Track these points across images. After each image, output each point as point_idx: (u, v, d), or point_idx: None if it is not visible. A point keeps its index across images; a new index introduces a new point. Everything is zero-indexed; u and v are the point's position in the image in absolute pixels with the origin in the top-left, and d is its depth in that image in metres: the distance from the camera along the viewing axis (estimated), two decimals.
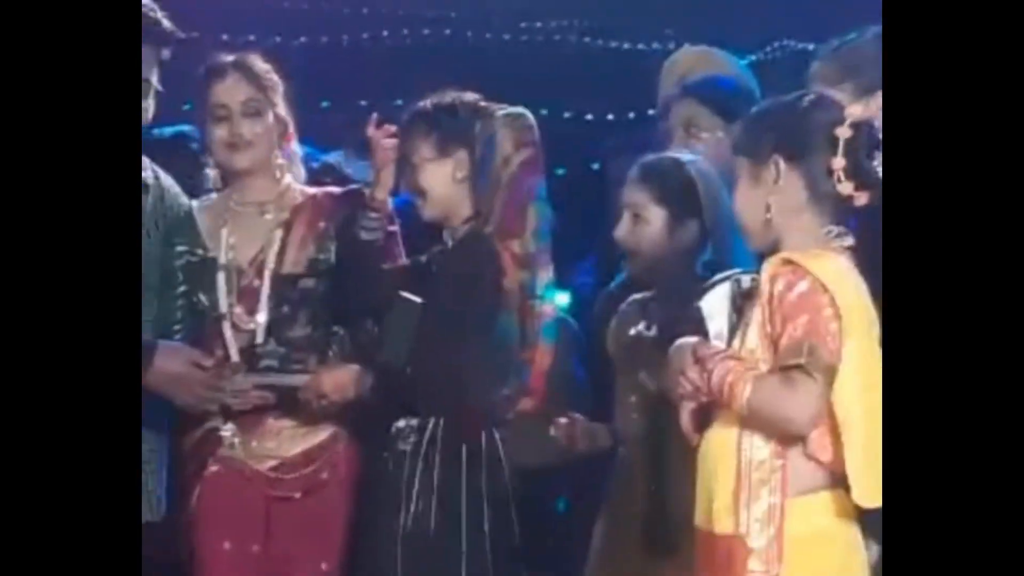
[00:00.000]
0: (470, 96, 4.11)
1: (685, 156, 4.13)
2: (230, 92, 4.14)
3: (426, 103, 4.09)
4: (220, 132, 4.14)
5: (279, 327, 4.10)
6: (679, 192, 4.02)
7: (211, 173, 4.27)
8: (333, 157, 4.99)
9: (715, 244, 4.00)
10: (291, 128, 4.23)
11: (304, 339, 4.10)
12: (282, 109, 4.21)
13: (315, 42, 6.96)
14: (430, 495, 3.88)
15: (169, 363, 4.00)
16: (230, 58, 4.19)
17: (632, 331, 4.06)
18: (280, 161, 4.22)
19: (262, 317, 4.10)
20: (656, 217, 4.03)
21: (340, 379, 4.05)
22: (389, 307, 3.97)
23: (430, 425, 3.93)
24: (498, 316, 3.97)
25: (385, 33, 7.08)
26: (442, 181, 4.04)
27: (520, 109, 4.10)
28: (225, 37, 6.32)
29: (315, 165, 4.69)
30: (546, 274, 4.02)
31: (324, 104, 6.52)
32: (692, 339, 3.20)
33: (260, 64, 4.19)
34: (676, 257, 4.02)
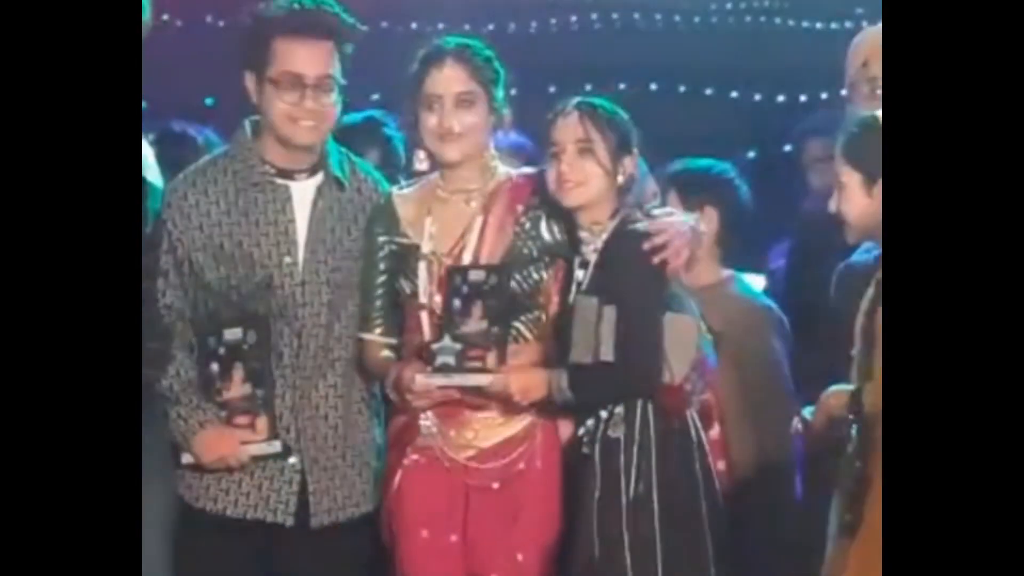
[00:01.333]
0: None
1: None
2: (445, 82, 4.09)
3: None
4: (431, 121, 4.10)
5: (451, 322, 4.04)
6: (870, 148, 3.75)
7: (422, 155, 4.19)
8: None
9: None
10: (508, 119, 4.18)
11: (479, 335, 4.03)
12: (499, 99, 4.15)
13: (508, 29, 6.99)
14: (650, 479, 3.89)
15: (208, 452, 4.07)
16: (450, 46, 4.13)
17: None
18: (493, 151, 4.20)
19: (457, 304, 4.06)
20: (852, 181, 3.83)
21: (527, 381, 4.02)
22: (571, 309, 3.98)
23: (639, 410, 3.92)
24: (672, 292, 3.99)
25: (573, 18, 7.07)
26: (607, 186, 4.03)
27: None
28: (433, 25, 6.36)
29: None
30: None
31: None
32: None
33: (481, 53, 4.14)
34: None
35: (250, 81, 4.10)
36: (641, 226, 4.01)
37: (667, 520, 3.89)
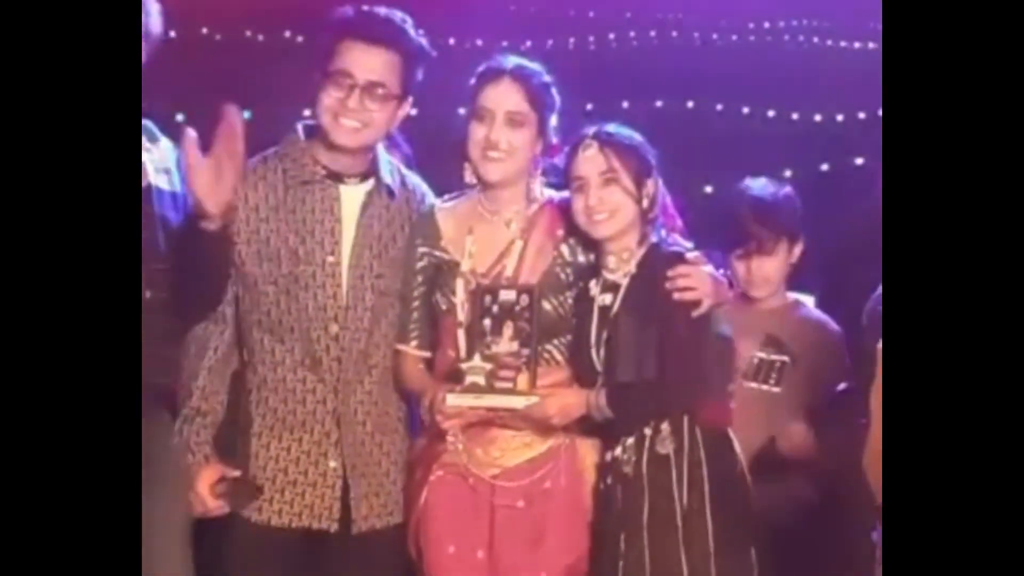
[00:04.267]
0: None
1: None
2: (499, 98, 4.10)
3: None
4: (479, 134, 4.11)
5: (481, 341, 4.03)
6: None
7: (467, 169, 4.18)
8: None
9: None
10: (556, 146, 4.16)
11: (509, 355, 4.02)
12: (551, 126, 4.15)
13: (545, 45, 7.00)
14: (703, 493, 3.90)
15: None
16: (510, 65, 4.14)
17: None
18: (539, 176, 4.18)
19: (487, 323, 4.04)
20: None
21: (565, 403, 4.01)
22: (613, 329, 3.98)
23: (685, 425, 3.93)
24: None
25: (611, 36, 7.07)
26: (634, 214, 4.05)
27: None
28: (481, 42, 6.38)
29: None
30: None
31: None
32: None
33: (540, 77, 4.14)
34: None
35: (316, 80, 4.14)
36: (677, 249, 4.02)
37: (720, 533, 3.90)
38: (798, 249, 4.77)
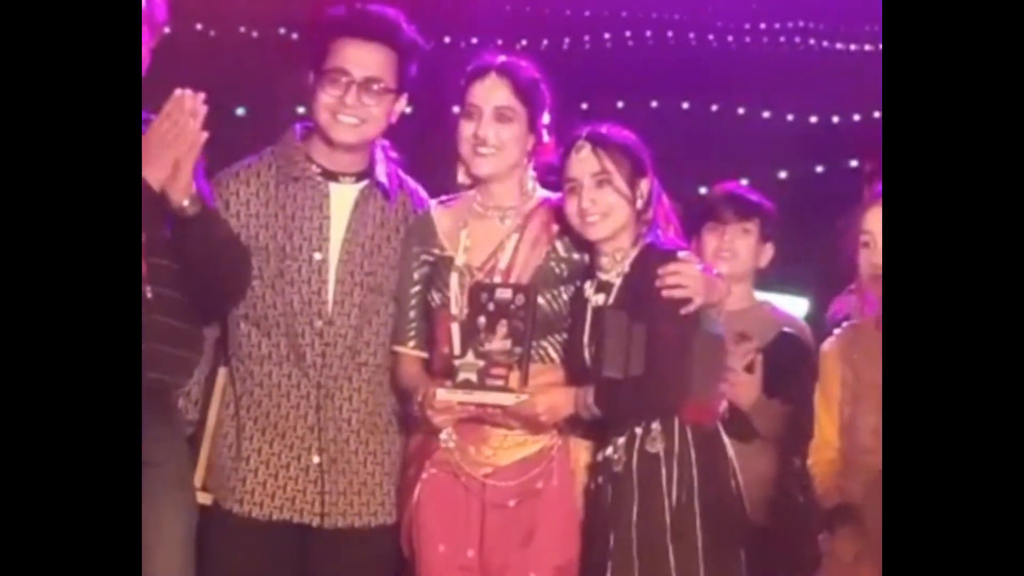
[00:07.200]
0: None
1: None
2: (486, 94, 4.11)
3: None
4: (467, 131, 4.12)
5: (475, 338, 4.04)
6: None
7: (460, 169, 4.20)
8: None
9: None
10: (549, 144, 4.17)
11: (502, 353, 4.02)
12: (543, 121, 4.16)
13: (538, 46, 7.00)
14: (692, 491, 3.89)
15: None
16: (498, 61, 4.16)
17: None
18: (530, 171, 4.19)
19: (482, 320, 4.07)
20: None
21: (554, 400, 4.01)
22: (602, 324, 3.96)
23: (676, 424, 3.92)
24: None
25: (607, 36, 7.08)
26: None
27: None
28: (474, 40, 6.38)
29: None
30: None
31: None
32: None
33: (527, 73, 4.15)
34: None
35: (309, 80, 4.16)
36: (669, 248, 4.01)
37: (708, 531, 3.90)
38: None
